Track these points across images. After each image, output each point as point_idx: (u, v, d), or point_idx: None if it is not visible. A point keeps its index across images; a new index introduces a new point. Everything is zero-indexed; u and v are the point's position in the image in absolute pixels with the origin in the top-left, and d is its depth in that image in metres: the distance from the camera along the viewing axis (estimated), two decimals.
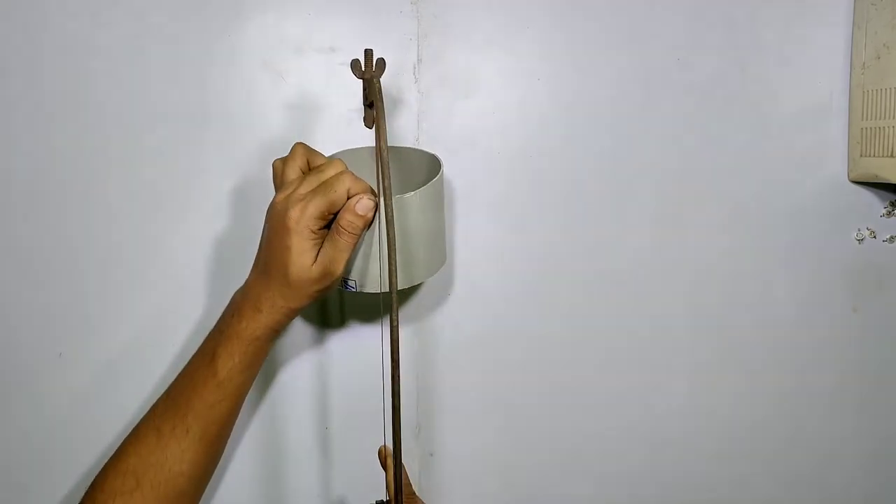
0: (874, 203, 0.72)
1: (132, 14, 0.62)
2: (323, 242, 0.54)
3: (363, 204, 0.52)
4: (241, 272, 0.57)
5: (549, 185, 0.68)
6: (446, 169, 0.66)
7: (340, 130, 0.65)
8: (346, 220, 0.53)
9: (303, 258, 0.53)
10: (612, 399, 0.71)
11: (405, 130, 0.66)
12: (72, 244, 0.63)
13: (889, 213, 0.72)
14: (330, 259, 0.53)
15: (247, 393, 0.58)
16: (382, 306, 0.66)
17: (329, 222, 0.54)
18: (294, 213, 0.52)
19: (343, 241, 0.53)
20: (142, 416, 0.57)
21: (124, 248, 0.64)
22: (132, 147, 0.63)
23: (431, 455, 0.69)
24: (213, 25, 0.63)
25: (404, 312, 0.68)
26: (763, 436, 0.73)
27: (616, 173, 0.69)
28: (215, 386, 0.55)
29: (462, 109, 0.67)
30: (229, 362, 0.55)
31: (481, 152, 0.67)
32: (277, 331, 0.56)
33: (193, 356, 0.57)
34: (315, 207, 0.52)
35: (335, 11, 0.65)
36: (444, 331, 0.69)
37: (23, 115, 0.62)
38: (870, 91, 0.67)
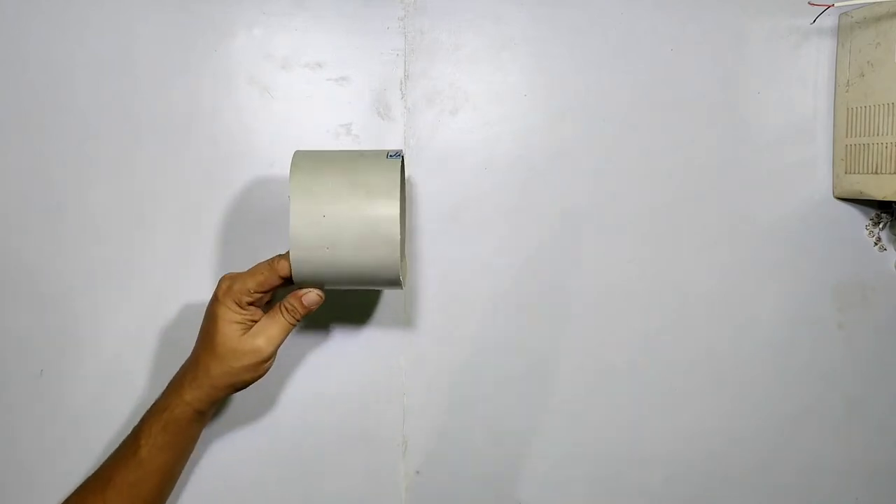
0: (858, 219, 0.72)
1: (119, 28, 0.62)
2: (260, 321, 0.55)
3: (309, 298, 0.55)
4: None
5: (536, 201, 0.68)
6: (436, 184, 0.66)
7: (327, 145, 0.65)
8: (290, 303, 0.55)
9: (229, 327, 0.53)
10: (599, 414, 0.71)
11: (392, 146, 0.66)
12: (53, 260, 0.63)
13: (873, 230, 0.72)
14: (265, 335, 0.54)
15: (176, 474, 0.58)
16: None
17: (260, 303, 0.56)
18: (224, 284, 0.54)
19: (282, 319, 0.54)
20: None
21: (107, 264, 0.63)
22: (117, 162, 0.63)
23: (418, 473, 0.69)
24: (201, 40, 0.63)
25: (390, 328, 0.68)
26: (748, 451, 0.73)
27: (602, 189, 0.69)
28: (136, 464, 0.54)
29: (449, 125, 0.67)
30: (150, 440, 0.55)
31: (468, 168, 0.67)
32: (200, 411, 0.56)
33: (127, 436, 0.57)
34: (244, 282, 0.54)
35: (322, 27, 0.65)
36: (431, 346, 0.68)
37: (6, 129, 0.61)
38: (854, 109, 0.68)
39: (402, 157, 0.56)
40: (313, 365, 0.67)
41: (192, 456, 0.60)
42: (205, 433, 0.65)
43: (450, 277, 0.68)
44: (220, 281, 0.55)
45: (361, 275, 0.53)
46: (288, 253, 0.53)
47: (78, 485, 0.57)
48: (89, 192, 0.63)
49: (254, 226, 0.64)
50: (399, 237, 0.52)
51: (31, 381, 0.63)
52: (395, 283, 0.54)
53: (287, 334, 0.55)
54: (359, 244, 0.52)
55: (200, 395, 0.55)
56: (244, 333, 0.54)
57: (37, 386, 0.63)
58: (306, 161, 0.54)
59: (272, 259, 0.55)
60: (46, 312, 0.63)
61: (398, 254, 0.52)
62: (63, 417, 0.64)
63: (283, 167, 0.65)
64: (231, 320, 0.54)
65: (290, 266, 0.52)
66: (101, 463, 0.57)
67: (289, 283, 0.55)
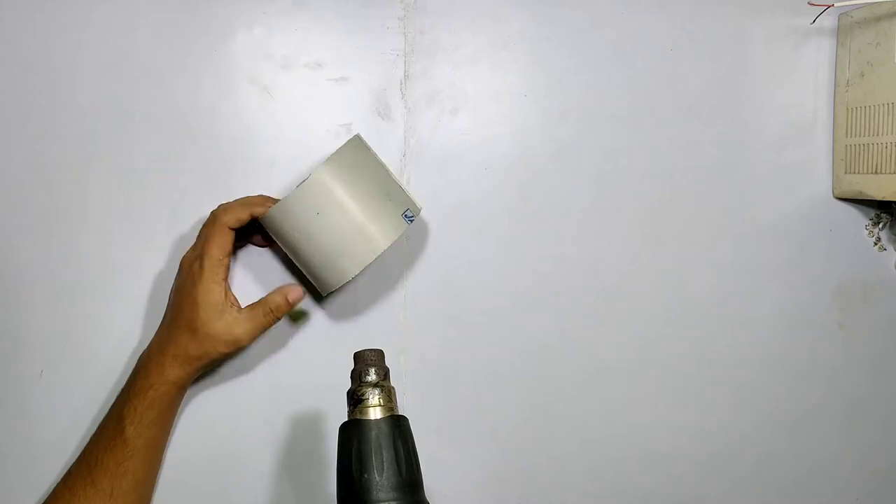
0: (858, 219, 0.72)
1: (119, 28, 0.62)
2: (242, 313, 0.57)
3: (294, 293, 0.57)
4: None
5: (536, 201, 0.68)
6: (435, 182, 0.66)
7: (327, 145, 0.65)
8: (274, 302, 0.57)
9: (211, 310, 0.56)
10: (599, 414, 0.71)
11: (392, 146, 0.66)
12: (53, 260, 0.63)
13: (872, 230, 0.72)
14: (244, 329, 0.57)
15: (162, 445, 0.60)
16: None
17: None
18: (197, 264, 0.57)
19: (263, 319, 0.57)
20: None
21: (107, 263, 0.63)
22: (116, 162, 0.63)
23: None
24: (201, 40, 0.63)
25: (389, 327, 0.68)
26: (748, 451, 0.73)
27: (602, 189, 0.69)
28: (122, 444, 0.55)
29: (449, 125, 0.67)
30: (135, 420, 0.56)
31: (468, 168, 0.67)
32: (182, 387, 0.58)
33: (105, 416, 0.58)
34: (210, 251, 0.56)
35: (322, 27, 0.65)
36: (431, 346, 0.68)
37: (6, 129, 0.61)
38: (854, 109, 0.68)
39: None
40: (311, 364, 0.67)
41: None
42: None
43: (450, 277, 0.68)
44: (191, 261, 0.58)
45: (315, 256, 0.56)
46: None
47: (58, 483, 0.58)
48: (88, 191, 0.63)
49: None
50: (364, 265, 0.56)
51: (31, 381, 0.63)
52: (330, 285, 0.57)
53: (265, 331, 0.59)
54: (334, 237, 0.55)
55: (182, 373, 0.57)
56: (223, 318, 0.56)
57: (37, 386, 0.63)
58: (357, 152, 0.57)
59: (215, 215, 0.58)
60: (46, 312, 0.63)
61: (353, 272, 0.56)
62: (63, 417, 0.63)
63: (283, 167, 0.65)
64: (213, 304, 0.56)
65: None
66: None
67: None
